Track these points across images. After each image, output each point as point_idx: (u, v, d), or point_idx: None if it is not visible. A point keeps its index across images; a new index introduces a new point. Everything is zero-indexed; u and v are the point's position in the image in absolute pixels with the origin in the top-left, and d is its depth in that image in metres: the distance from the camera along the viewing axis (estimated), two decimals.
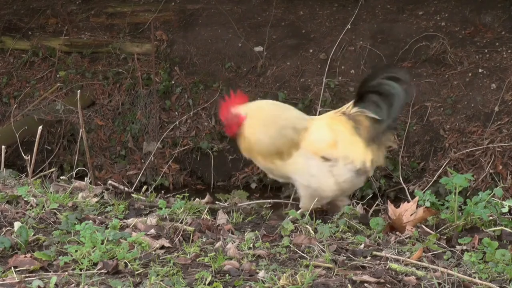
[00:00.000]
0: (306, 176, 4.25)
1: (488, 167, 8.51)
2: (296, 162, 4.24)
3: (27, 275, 3.46)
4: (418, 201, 4.28)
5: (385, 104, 4.31)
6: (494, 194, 4.19)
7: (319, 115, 4.70)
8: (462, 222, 4.15)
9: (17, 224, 3.94)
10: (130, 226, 4.11)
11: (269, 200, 4.87)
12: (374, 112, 4.30)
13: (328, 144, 4.25)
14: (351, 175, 4.26)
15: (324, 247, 3.84)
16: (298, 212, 4.31)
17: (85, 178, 4.88)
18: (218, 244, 3.86)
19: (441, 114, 9.14)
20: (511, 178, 8.45)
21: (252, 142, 4.30)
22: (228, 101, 4.32)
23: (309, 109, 9.55)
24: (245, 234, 4.01)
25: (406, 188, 6.91)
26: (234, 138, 4.38)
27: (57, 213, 4.26)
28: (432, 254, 3.85)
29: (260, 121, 4.27)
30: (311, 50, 10.18)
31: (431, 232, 4.15)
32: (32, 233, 3.89)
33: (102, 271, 3.51)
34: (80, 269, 3.52)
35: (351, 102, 4.40)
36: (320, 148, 4.24)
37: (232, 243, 3.85)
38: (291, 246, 3.88)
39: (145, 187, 5.05)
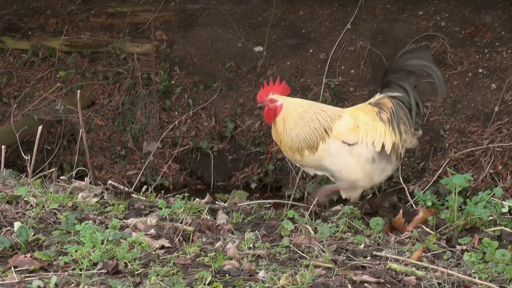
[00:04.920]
0: (329, 158, 4.35)
1: (488, 167, 8.51)
2: (320, 151, 4.34)
3: (27, 275, 3.46)
4: (418, 201, 4.30)
5: (408, 84, 4.44)
6: (494, 194, 4.20)
7: None
8: (462, 222, 4.15)
9: (17, 224, 3.94)
10: (130, 226, 4.11)
11: (269, 200, 4.88)
12: (397, 92, 4.42)
13: (348, 129, 4.35)
14: (371, 155, 4.34)
15: (324, 247, 3.84)
16: (347, 205, 4.38)
17: (85, 178, 4.88)
18: (218, 244, 3.87)
19: (441, 114, 9.13)
20: (511, 178, 8.44)
21: (283, 136, 4.41)
22: (270, 86, 4.39)
23: None
24: (245, 234, 4.01)
25: (406, 188, 6.91)
26: (270, 123, 4.46)
27: (57, 213, 4.26)
28: (432, 254, 3.85)
29: (293, 119, 4.37)
30: (311, 50, 10.18)
31: (431, 232, 4.15)
32: (32, 233, 3.89)
33: (102, 271, 3.51)
34: (80, 269, 3.52)
35: (378, 93, 4.54)
36: (340, 132, 4.34)
37: (232, 243, 3.85)
38: (291, 246, 3.88)
39: (145, 187, 5.06)
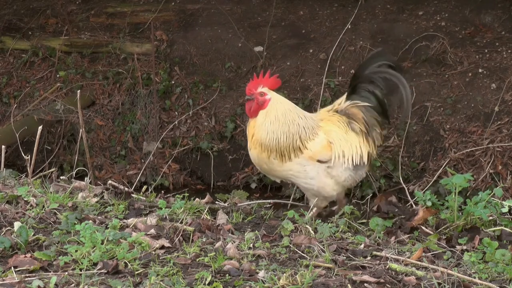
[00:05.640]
0: (305, 179, 4.27)
1: (488, 167, 8.51)
2: (294, 167, 4.24)
3: (27, 275, 3.46)
4: (418, 201, 4.30)
5: (377, 90, 4.34)
6: (494, 194, 4.20)
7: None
8: (462, 222, 4.15)
9: (17, 224, 3.94)
10: (130, 226, 4.11)
11: (269, 200, 4.87)
12: (366, 101, 4.33)
13: (322, 147, 4.26)
14: (349, 173, 4.28)
15: (324, 247, 3.84)
16: (310, 214, 4.32)
17: (85, 178, 4.88)
18: (218, 244, 3.86)
19: (441, 114, 9.13)
20: (511, 178, 8.44)
21: (259, 129, 4.25)
22: (260, 79, 4.26)
23: (309, 109, 9.51)
24: (245, 234, 4.01)
25: (406, 188, 6.91)
26: (254, 117, 4.28)
27: (57, 213, 4.25)
28: (432, 254, 3.85)
29: (276, 113, 4.23)
30: (311, 50, 10.18)
31: (431, 232, 4.15)
32: (32, 233, 3.89)
33: (102, 271, 3.51)
34: (80, 269, 3.52)
35: (342, 97, 4.43)
36: (315, 152, 4.25)
37: (232, 243, 3.85)
38: (291, 246, 3.88)
39: (145, 187, 5.06)
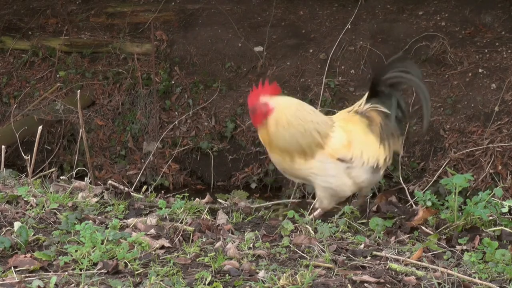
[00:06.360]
0: (325, 177, 4.27)
1: (488, 167, 8.51)
2: (316, 165, 4.24)
3: (27, 275, 3.46)
4: (418, 201, 4.29)
5: (396, 97, 4.35)
6: (494, 194, 4.19)
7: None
8: (462, 222, 4.15)
9: (17, 224, 3.94)
10: (130, 226, 4.11)
11: (271, 202, 4.85)
12: (385, 107, 4.34)
13: (343, 146, 4.27)
14: (367, 175, 4.30)
15: (324, 247, 3.84)
16: (316, 213, 4.33)
17: (85, 178, 4.88)
18: (218, 244, 3.86)
19: (441, 114, 9.13)
20: (511, 178, 8.44)
21: (274, 136, 4.24)
22: (260, 89, 4.24)
23: None
24: (245, 234, 4.01)
25: (406, 188, 6.91)
26: (257, 127, 4.28)
27: (57, 213, 4.25)
28: (432, 254, 3.85)
29: (287, 117, 4.21)
30: (311, 50, 10.18)
31: (431, 232, 4.15)
32: (32, 233, 3.89)
33: (102, 271, 3.51)
34: (80, 269, 3.52)
35: (363, 98, 4.44)
36: (336, 150, 4.25)
37: (232, 243, 3.85)
38: (291, 246, 3.88)
39: (145, 187, 5.05)
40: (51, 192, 4.60)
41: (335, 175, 4.25)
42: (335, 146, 4.25)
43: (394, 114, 4.37)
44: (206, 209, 4.39)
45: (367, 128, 4.35)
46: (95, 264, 3.58)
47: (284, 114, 4.20)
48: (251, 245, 3.87)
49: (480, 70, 9.41)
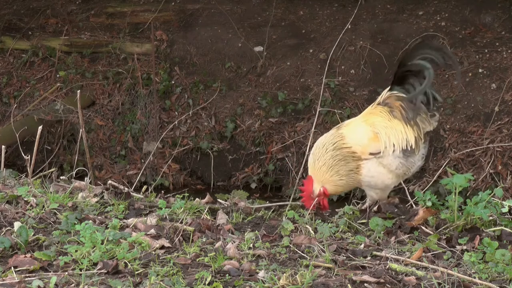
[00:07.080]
0: (367, 175, 4.34)
1: (488, 167, 8.51)
2: (360, 171, 4.34)
3: (27, 275, 3.46)
4: (418, 201, 4.30)
5: (418, 82, 4.41)
6: (494, 194, 4.19)
7: (317, 114, 4.79)
8: (462, 222, 4.15)
9: (17, 224, 3.94)
10: (130, 226, 4.11)
11: (276, 204, 4.85)
12: (403, 92, 4.39)
13: (369, 139, 4.33)
14: (399, 161, 4.34)
15: (324, 247, 3.84)
16: (366, 204, 4.39)
17: (85, 178, 4.88)
18: (218, 244, 3.86)
19: (441, 114, 9.12)
20: (511, 178, 8.45)
21: (326, 185, 4.41)
22: (305, 189, 4.40)
23: (309, 109, 9.56)
24: (245, 234, 4.01)
25: (406, 188, 6.90)
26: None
27: (57, 213, 4.25)
28: (432, 254, 3.85)
29: (322, 174, 4.36)
30: (311, 50, 10.18)
31: (431, 232, 4.15)
32: (32, 233, 3.89)
33: (102, 271, 3.51)
34: (80, 269, 3.52)
35: (384, 91, 4.50)
36: (364, 146, 4.31)
37: (232, 243, 3.85)
38: (291, 246, 3.88)
39: (145, 187, 5.05)
40: (51, 192, 4.60)
41: (370, 169, 4.33)
42: (362, 142, 4.32)
43: (419, 93, 4.41)
44: (206, 209, 4.39)
45: (389, 114, 4.40)
46: (95, 264, 3.58)
47: (323, 176, 4.35)
48: (251, 245, 3.87)
49: (480, 70, 9.42)
